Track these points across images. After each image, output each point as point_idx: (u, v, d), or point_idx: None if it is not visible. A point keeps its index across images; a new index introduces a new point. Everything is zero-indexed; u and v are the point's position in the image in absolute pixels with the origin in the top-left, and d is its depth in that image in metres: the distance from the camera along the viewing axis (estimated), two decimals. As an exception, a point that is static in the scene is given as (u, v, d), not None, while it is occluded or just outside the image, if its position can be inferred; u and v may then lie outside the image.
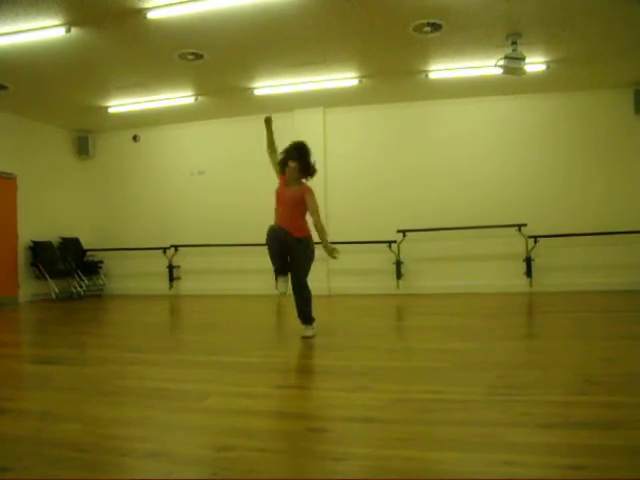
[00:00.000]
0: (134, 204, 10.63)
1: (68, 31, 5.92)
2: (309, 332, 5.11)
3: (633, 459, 2.04)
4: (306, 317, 5.17)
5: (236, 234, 9.59)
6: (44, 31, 5.93)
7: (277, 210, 5.19)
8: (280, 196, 5.18)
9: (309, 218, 5.15)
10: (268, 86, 8.30)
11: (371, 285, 9.18)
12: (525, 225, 8.50)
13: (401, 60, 7.33)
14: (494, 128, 9.03)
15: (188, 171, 10.29)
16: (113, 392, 3.30)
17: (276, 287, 5.18)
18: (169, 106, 9.08)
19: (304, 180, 5.28)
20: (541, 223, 8.56)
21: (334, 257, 5.03)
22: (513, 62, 6.54)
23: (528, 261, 8.50)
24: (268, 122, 5.28)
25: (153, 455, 2.27)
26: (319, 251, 5.18)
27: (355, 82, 8.06)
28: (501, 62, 6.61)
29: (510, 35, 6.41)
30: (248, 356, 4.45)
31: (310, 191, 5.18)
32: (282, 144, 9.46)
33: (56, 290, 9.37)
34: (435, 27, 6.20)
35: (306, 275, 5.16)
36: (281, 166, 5.25)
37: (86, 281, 10.09)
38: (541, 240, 8.44)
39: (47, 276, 9.38)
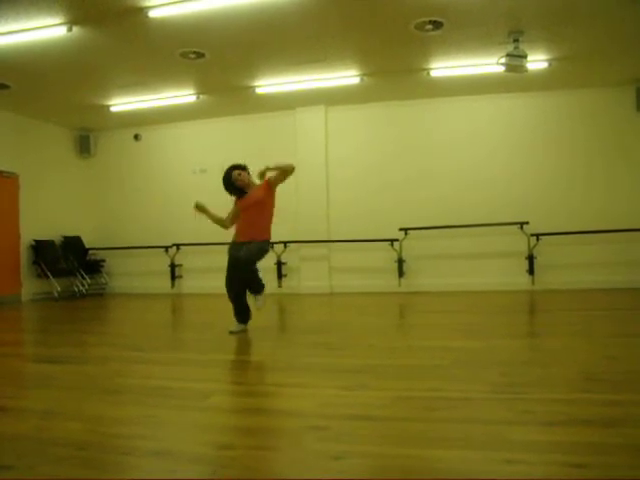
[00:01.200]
0: (136, 203, 10.64)
1: (69, 30, 5.92)
2: (260, 302, 5.13)
3: (635, 457, 2.04)
4: (256, 288, 5.14)
5: (238, 232, 9.59)
6: (45, 30, 5.93)
7: (239, 223, 5.35)
8: (242, 206, 5.30)
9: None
10: (270, 84, 8.29)
11: (373, 283, 9.18)
12: (527, 223, 8.48)
13: (402, 58, 7.31)
14: (496, 126, 9.01)
15: (190, 170, 10.29)
16: (115, 391, 3.31)
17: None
18: (171, 105, 9.08)
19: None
20: (543, 221, 8.54)
21: (262, 172, 5.08)
22: (515, 60, 6.52)
23: (530, 259, 8.49)
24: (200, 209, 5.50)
25: (155, 454, 2.27)
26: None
27: (356, 80, 8.05)
28: (503, 60, 6.59)
29: (512, 32, 6.39)
30: (249, 354, 4.45)
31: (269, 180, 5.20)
32: (284, 143, 9.54)
33: (58, 289, 9.39)
34: (436, 25, 6.18)
35: (252, 263, 5.10)
36: (232, 188, 5.38)
37: (88, 280, 10.10)
38: (543, 238, 8.43)
39: (49, 275, 9.40)
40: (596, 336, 4.65)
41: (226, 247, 9.60)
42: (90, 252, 10.54)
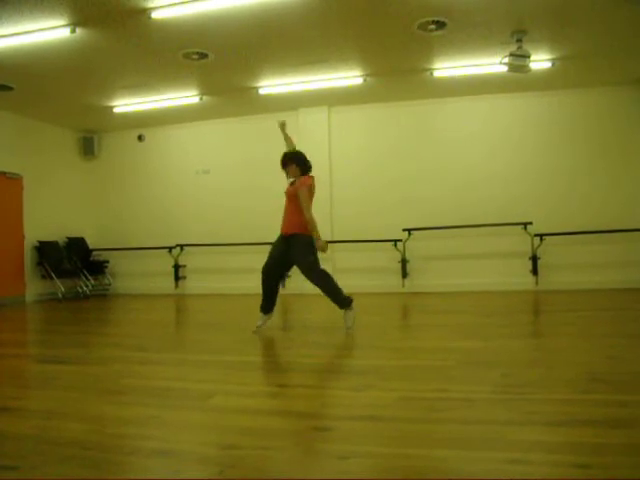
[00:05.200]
0: (139, 204, 10.66)
1: (73, 31, 5.94)
2: (348, 322, 5.18)
3: (639, 457, 2.03)
4: (338, 302, 5.23)
5: (241, 233, 9.61)
6: (49, 32, 5.95)
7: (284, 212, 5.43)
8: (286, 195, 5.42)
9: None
10: (273, 85, 8.30)
11: (376, 283, 9.17)
12: (531, 223, 8.47)
13: (405, 58, 7.31)
14: (499, 126, 9.00)
15: (193, 171, 10.32)
16: (118, 391, 3.32)
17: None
18: (174, 106, 9.10)
19: (302, 176, 5.36)
20: (547, 221, 8.52)
21: (323, 251, 5.19)
22: (518, 59, 6.51)
23: (534, 259, 8.47)
24: (282, 126, 5.67)
25: (159, 454, 2.27)
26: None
27: (359, 81, 8.05)
28: (506, 60, 6.59)
29: (515, 32, 6.38)
30: (253, 355, 4.46)
31: (303, 184, 5.23)
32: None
33: (62, 290, 9.41)
34: (440, 25, 6.18)
35: (312, 268, 5.22)
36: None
37: (92, 281, 10.13)
38: (547, 238, 8.42)
39: (53, 276, 9.41)
40: (599, 336, 4.64)
41: (230, 248, 9.73)
42: (94, 253, 10.56)
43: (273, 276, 5.35)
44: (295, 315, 6.91)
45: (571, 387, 3.05)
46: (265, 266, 5.34)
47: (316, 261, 5.23)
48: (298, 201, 5.15)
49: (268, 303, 5.41)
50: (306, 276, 5.24)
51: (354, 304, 5.23)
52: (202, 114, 9.76)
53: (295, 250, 5.19)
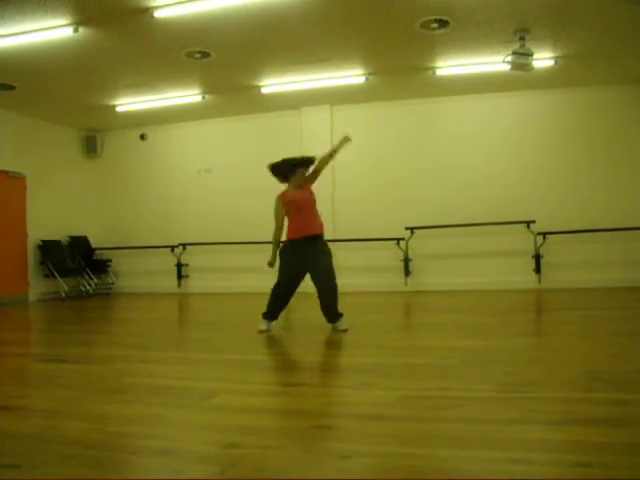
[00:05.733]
0: (142, 202, 10.66)
1: (76, 31, 5.94)
2: (343, 326, 5.13)
3: (639, 457, 2.04)
4: (333, 313, 5.19)
5: (244, 232, 9.60)
6: (52, 31, 5.95)
7: (301, 217, 5.22)
8: (299, 202, 5.23)
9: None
10: (275, 84, 8.29)
11: (379, 282, 9.17)
12: (534, 222, 8.45)
13: (408, 57, 7.29)
14: (502, 124, 8.97)
15: (195, 169, 10.32)
16: (120, 390, 3.32)
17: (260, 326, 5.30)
18: (176, 105, 9.09)
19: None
20: (550, 220, 8.50)
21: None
22: (521, 58, 6.50)
23: (537, 258, 8.45)
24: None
25: (160, 453, 2.28)
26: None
27: (362, 79, 8.04)
28: (509, 58, 6.57)
29: (518, 31, 6.36)
30: (254, 354, 4.46)
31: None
32: (290, 143, 9.51)
33: (65, 288, 9.42)
34: (442, 23, 6.16)
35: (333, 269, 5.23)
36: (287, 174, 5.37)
37: (95, 279, 10.13)
38: (550, 237, 8.39)
39: (56, 275, 9.42)
40: (601, 335, 4.63)
41: (232, 246, 9.72)
42: (97, 252, 10.57)
43: (294, 286, 5.25)
44: (297, 314, 6.90)
45: (572, 386, 3.05)
46: (286, 277, 5.21)
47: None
48: (314, 203, 5.27)
49: (276, 312, 5.36)
50: (327, 276, 5.09)
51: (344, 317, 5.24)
52: (204, 113, 9.76)
53: (324, 249, 5.20)
